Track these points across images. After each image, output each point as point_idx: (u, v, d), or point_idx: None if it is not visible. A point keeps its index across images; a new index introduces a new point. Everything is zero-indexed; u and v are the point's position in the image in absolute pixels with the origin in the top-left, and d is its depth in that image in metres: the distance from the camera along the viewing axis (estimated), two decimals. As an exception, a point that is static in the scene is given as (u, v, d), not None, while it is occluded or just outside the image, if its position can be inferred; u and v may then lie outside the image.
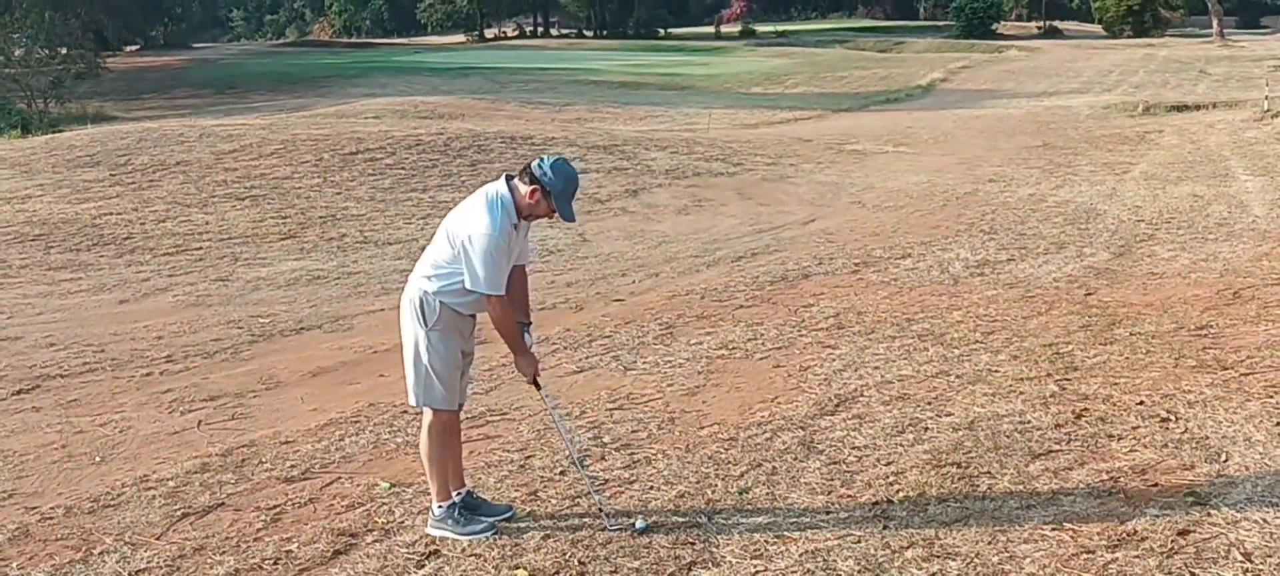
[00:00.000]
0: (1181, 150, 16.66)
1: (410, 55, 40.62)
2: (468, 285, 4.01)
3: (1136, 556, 3.77)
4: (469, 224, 4.02)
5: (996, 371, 6.03)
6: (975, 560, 3.80)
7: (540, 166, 4.05)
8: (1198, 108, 22.89)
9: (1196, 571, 3.65)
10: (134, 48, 43.19)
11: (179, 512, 4.54)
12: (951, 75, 33.23)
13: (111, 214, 11.81)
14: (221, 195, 12.60)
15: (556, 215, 4.10)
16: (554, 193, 4.04)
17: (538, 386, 4.38)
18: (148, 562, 4.09)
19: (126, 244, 10.77)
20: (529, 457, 5.02)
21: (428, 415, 4.23)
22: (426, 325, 4.11)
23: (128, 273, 9.78)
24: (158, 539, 4.30)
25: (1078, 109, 23.76)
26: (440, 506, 4.25)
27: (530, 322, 4.39)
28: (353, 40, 53.53)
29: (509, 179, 4.13)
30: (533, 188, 4.03)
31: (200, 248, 10.63)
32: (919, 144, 18.98)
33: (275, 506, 4.59)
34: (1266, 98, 20.82)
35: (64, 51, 30.33)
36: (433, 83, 29.17)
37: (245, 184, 13.06)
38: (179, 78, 33.62)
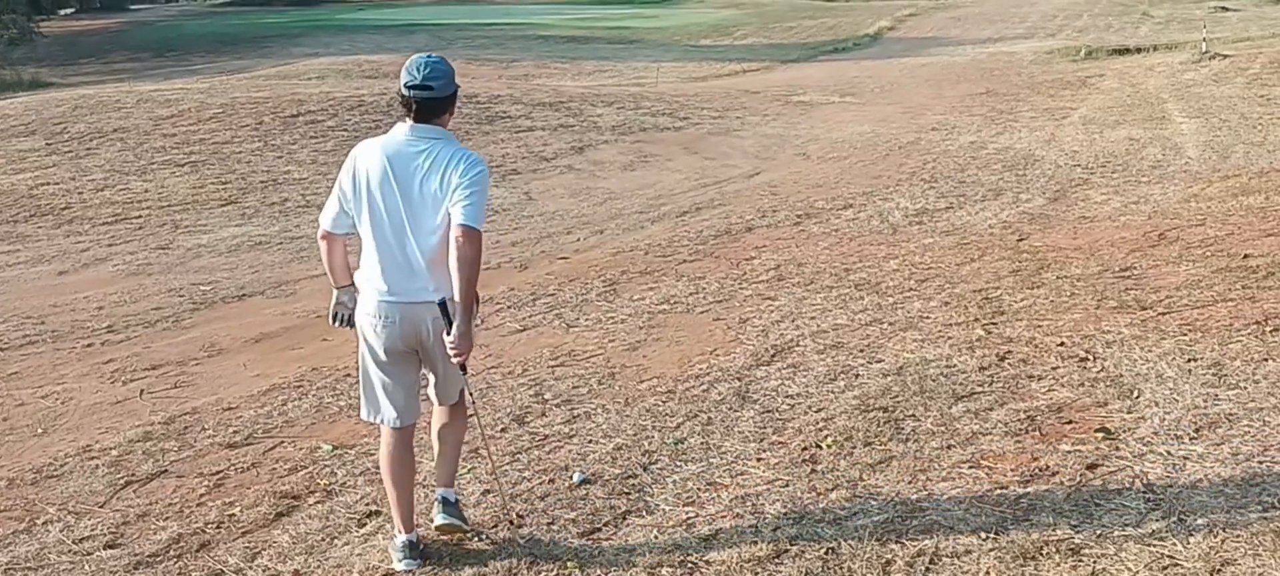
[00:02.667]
0: (1120, 94, 16.96)
1: (354, 12, 39.93)
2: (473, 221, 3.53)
3: (1047, 490, 3.96)
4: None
5: (928, 318, 6.22)
6: (895, 499, 3.97)
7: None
8: (1139, 51, 23.22)
9: (1101, 502, 3.85)
10: (69, 11, 41.98)
11: (122, 481, 4.59)
12: (899, 23, 33.34)
13: (48, 184, 11.61)
14: (160, 162, 12.42)
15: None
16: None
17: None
18: (91, 530, 4.15)
19: (64, 214, 10.62)
20: (469, 415, 5.10)
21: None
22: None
23: (66, 243, 9.67)
24: (101, 507, 4.35)
25: (1022, 55, 24.02)
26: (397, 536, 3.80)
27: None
28: (295, -2, 52.39)
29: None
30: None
31: (140, 216, 10.52)
32: (864, 94, 19.13)
33: (218, 472, 4.65)
34: (1204, 39, 21.19)
35: (-4, 16, 29.48)
36: (377, 40, 28.73)
37: (184, 150, 12.88)
38: (116, 41, 32.77)
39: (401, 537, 3.77)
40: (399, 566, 3.73)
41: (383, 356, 3.66)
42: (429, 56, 3.58)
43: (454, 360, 3.56)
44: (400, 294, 3.57)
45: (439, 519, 3.85)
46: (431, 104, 3.53)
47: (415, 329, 3.61)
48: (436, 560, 3.77)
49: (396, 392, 3.72)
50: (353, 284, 3.73)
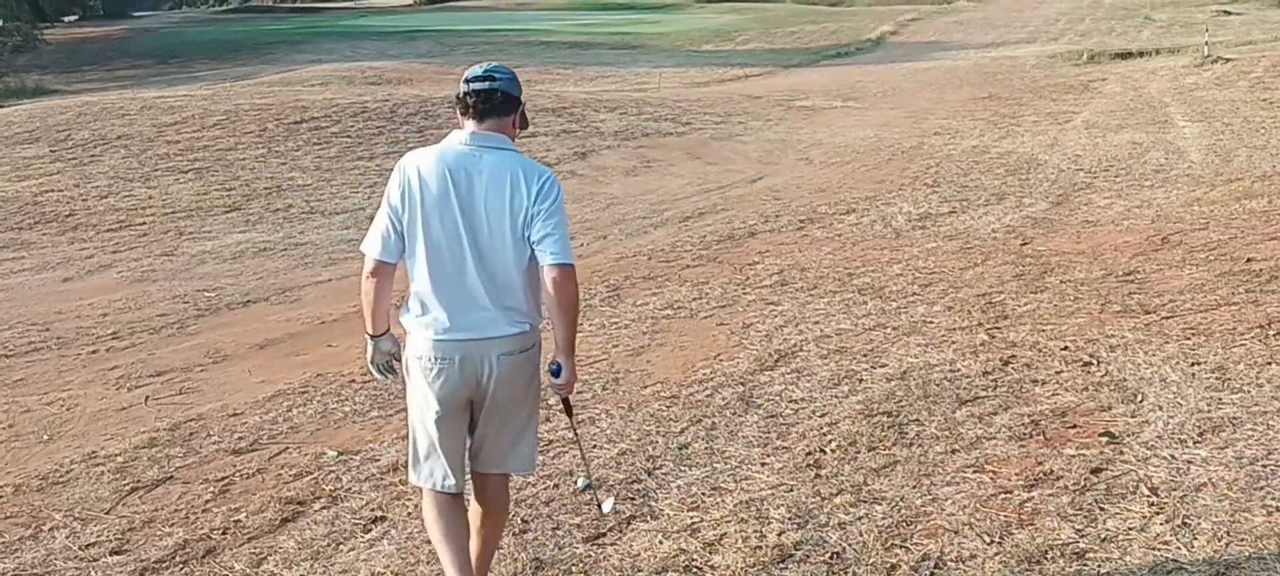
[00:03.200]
0: (1123, 98, 16.97)
1: (356, 19, 40.03)
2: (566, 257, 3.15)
3: (1051, 494, 3.96)
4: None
5: (931, 322, 6.22)
6: (900, 503, 3.97)
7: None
8: (1141, 54, 23.23)
9: (1105, 506, 3.85)
10: (72, 18, 42.13)
11: (128, 487, 4.60)
12: (901, 28, 33.41)
13: (53, 191, 11.65)
14: (164, 169, 12.46)
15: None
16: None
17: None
18: (97, 537, 4.16)
19: (69, 221, 10.65)
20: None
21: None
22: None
23: (71, 250, 9.70)
24: (107, 513, 4.36)
25: (1024, 59, 24.04)
26: None
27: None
28: (297, 5, 52.55)
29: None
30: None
31: (144, 223, 10.55)
32: (867, 98, 19.15)
33: (223, 478, 4.65)
34: (1207, 43, 21.20)
35: (0, 24, 29.61)
36: (380, 47, 28.82)
37: (188, 156, 12.92)
38: (119, 48, 32.89)
39: None
40: None
41: (439, 407, 3.10)
42: (491, 64, 3.19)
43: (560, 394, 3.24)
44: (461, 330, 3.05)
45: None
46: (494, 102, 3.09)
47: (476, 372, 3.08)
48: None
49: (454, 449, 3.18)
50: (391, 332, 3.24)
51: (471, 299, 3.05)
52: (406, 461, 3.49)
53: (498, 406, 3.14)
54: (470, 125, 3.11)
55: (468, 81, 3.12)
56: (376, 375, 3.30)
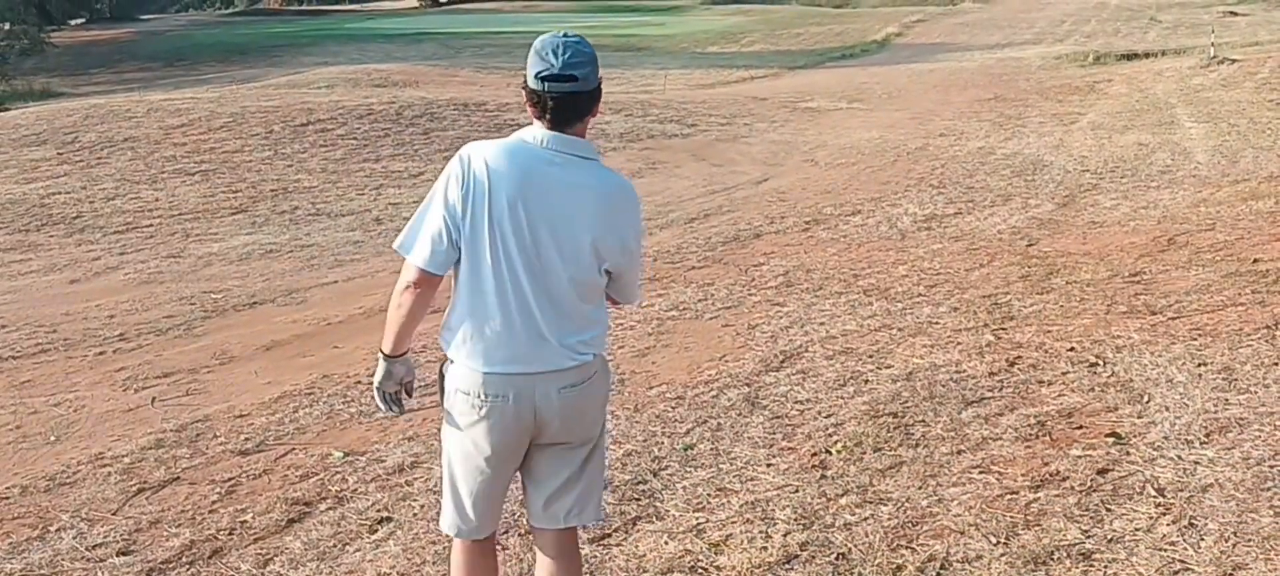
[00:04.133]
0: (1129, 99, 16.93)
1: (363, 21, 40.10)
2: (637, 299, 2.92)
3: (1057, 495, 3.96)
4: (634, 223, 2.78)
5: (937, 323, 6.21)
6: (905, 504, 3.97)
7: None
8: (1147, 56, 23.18)
9: (1112, 507, 3.84)
10: (79, 21, 42.25)
11: (134, 488, 4.61)
12: (907, 29, 33.36)
13: (60, 193, 11.68)
14: (171, 171, 12.49)
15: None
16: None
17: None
18: (104, 537, 4.17)
19: (76, 223, 10.68)
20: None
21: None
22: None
23: (78, 252, 9.72)
24: (114, 514, 4.37)
25: (1030, 60, 24.00)
26: None
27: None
28: (304, 8, 52.66)
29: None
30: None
31: (151, 224, 10.57)
32: (873, 100, 19.14)
33: (230, 479, 4.67)
34: (1213, 44, 21.15)
35: (7, 27, 29.70)
36: (386, 49, 28.85)
37: (195, 159, 12.95)
38: (126, 51, 32.99)
39: None
40: None
41: (488, 449, 2.68)
42: (567, 37, 2.58)
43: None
44: (518, 364, 2.62)
45: None
46: (575, 103, 2.59)
47: (532, 411, 2.65)
48: (447, 563, 3.78)
49: (492, 497, 2.79)
50: (408, 355, 2.79)
51: (534, 329, 2.60)
52: (437, 496, 3.16)
53: (563, 447, 2.73)
54: (545, 126, 2.61)
55: (544, 78, 2.55)
56: (380, 405, 2.79)
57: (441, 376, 2.75)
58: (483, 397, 2.63)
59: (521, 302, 2.60)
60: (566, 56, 2.56)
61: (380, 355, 2.76)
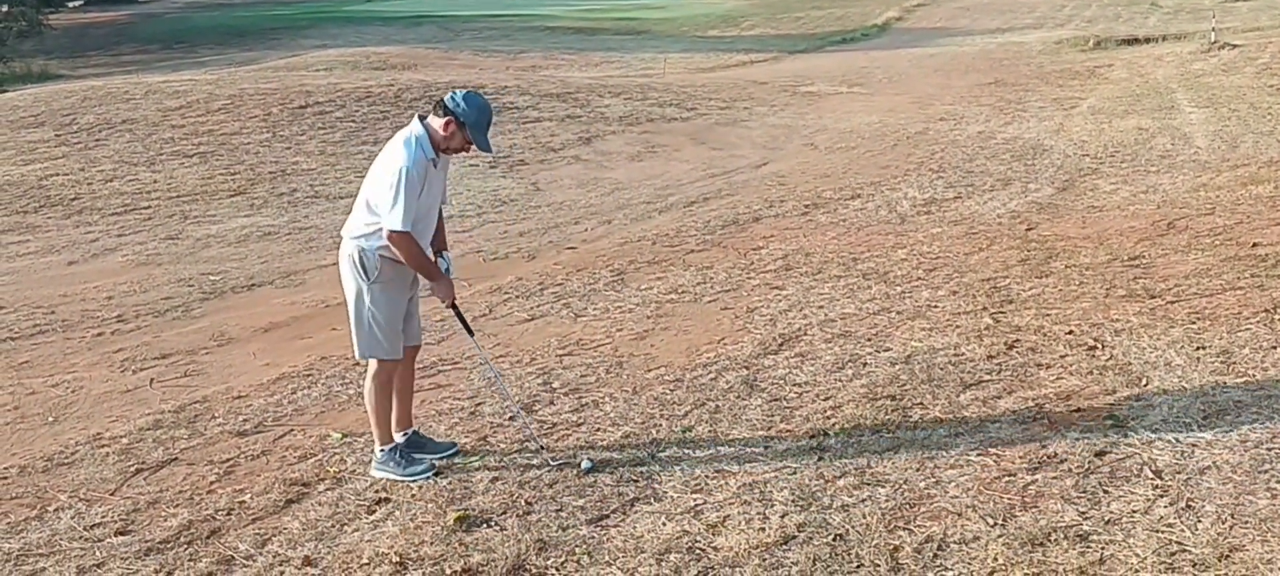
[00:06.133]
0: (1129, 84, 16.88)
1: (362, 4, 39.93)
2: (384, 225, 4.07)
3: (1054, 477, 3.96)
4: (387, 166, 4.11)
5: (936, 306, 6.21)
6: (903, 486, 3.97)
7: (453, 99, 4.16)
8: (1148, 40, 23.09)
9: (1109, 489, 3.85)
10: (78, 3, 42.07)
11: (133, 468, 4.61)
12: (907, 13, 33.22)
13: (58, 175, 11.66)
14: (169, 153, 12.46)
15: (473, 146, 4.19)
16: (468, 123, 4.13)
17: (459, 314, 4.48)
18: (102, 517, 4.17)
19: (74, 205, 10.66)
20: (479, 404, 5.13)
21: (372, 365, 4.32)
22: (368, 279, 4.20)
23: (76, 233, 9.71)
24: (112, 494, 4.38)
25: (1030, 44, 23.93)
26: (382, 450, 4.38)
27: (448, 251, 4.50)
28: (303, -10, 52.33)
29: (421, 118, 4.22)
30: (447, 120, 4.13)
31: (149, 206, 10.55)
32: (873, 84, 19.08)
33: (228, 459, 4.67)
34: (1213, 29, 21.08)
35: (5, 9, 29.55)
36: (385, 32, 28.72)
37: (193, 141, 12.92)
38: (124, 33, 32.84)
39: (402, 437, 4.49)
40: (412, 472, 4.37)
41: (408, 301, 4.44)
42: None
43: None
44: None
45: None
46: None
47: None
48: (444, 543, 3.79)
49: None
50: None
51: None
52: (364, 352, 4.35)
53: None
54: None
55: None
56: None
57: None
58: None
59: None
60: None
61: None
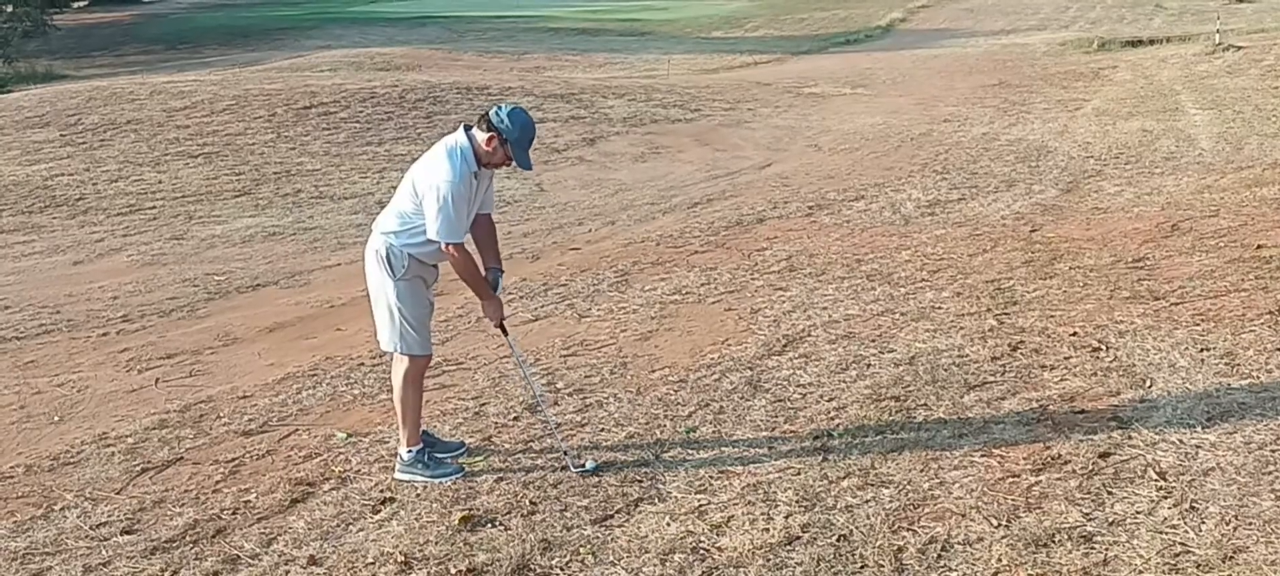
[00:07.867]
0: (1134, 85, 16.87)
1: (366, 4, 39.98)
2: (429, 234, 4.10)
3: (1058, 478, 3.96)
4: (430, 174, 4.11)
5: (940, 308, 6.21)
6: (907, 486, 3.98)
7: (497, 115, 4.15)
8: (1152, 42, 23.07)
9: (1113, 490, 3.85)
10: (82, 3, 42.13)
11: (138, 468, 4.63)
12: (911, 14, 33.21)
13: (63, 175, 11.69)
14: (174, 153, 12.49)
15: (514, 163, 4.20)
16: (511, 140, 4.14)
17: (504, 331, 4.48)
18: (108, 516, 4.19)
19: (79, 205, 10.69)
20: (484, 405, 5.14)
21: (403, 361, 4.32)
22: (395, 276, 4.20)
23: (81, 234, 9.73)
24: (118, 493, 4.39)
25: (1034, 46, 23.91)
26: (410, 451, 4.36)
27: (501, 269, 4.48)
28: (307, -9, 52.38)
29: (467, 128, 4.21)
30: (490, 135, 4.14)
31: (154, 207, 10.58)
32: (877, 85, 19.08)
33: (234, 459, 4.68)
34: (1218, 31, 21.05)
35: (10, 9, 29.58)
36: (389, 33, 28.76)
37: (198, 141, 12.95)
38: (129, 33, 32.89)
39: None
40: (440, 474, 4.37)
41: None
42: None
43: None
44: None
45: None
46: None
47: None
48: (449, 543, 3.80)
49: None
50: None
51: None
52: (397, 347, 4.36)
53: None
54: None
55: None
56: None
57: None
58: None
59: None
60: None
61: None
